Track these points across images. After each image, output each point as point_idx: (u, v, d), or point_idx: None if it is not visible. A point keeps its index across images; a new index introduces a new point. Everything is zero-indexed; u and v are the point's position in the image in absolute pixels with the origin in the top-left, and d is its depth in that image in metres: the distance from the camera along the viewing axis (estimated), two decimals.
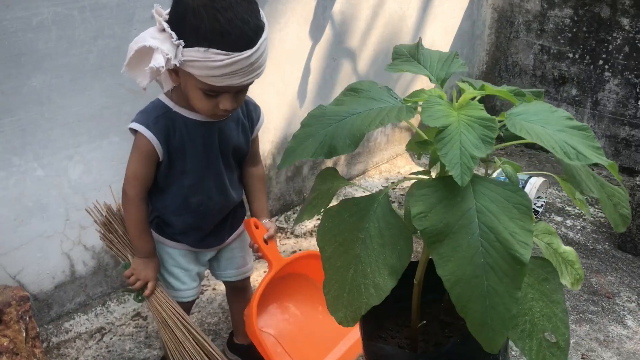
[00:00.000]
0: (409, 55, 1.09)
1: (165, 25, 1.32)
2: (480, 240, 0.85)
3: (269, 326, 1.79)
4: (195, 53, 1.29)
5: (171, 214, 1.59)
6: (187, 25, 1.30)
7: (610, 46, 3.24)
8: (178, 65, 1.31)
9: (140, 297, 1.60)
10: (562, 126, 0.93)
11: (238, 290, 1.85)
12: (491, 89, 0.97)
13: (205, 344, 1.58)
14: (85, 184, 2.06)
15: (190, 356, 1.57)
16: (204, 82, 1.33)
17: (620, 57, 3.22)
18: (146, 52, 1.31)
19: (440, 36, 3.38)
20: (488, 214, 0.86)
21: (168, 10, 1.39)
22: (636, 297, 2.40)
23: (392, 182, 3.27)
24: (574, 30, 3.33)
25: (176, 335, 1.56)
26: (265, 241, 1.64)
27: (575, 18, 3.32)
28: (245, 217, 1.71)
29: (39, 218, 1.98)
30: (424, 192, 0.88)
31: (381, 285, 0.90)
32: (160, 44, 1.29)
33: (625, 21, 3.16)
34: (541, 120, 0.93)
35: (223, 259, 1.74)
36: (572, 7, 3.31)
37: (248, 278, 1.83)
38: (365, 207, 0.95)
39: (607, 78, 3.28)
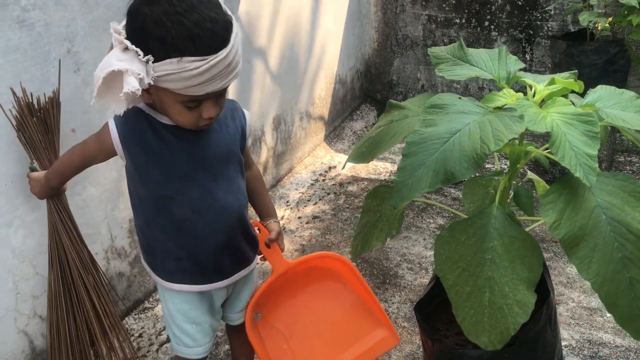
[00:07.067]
0: (454, 57, 1.05)
1: (128, 43, 1.18)
2: (613, 236, 0.85)
3: (279, 321, 1.66)
4: (168, 66, 1.16)
5: (157, 233, 1.42)
6: (151, 38, 1.17)
7: (493, 7, 3.43)
8: (152, 82, 1.18)
9: None
10: (636, 107, 0.96)
11: (238, 326, 1.73)
12: (562, 80, 0.97)
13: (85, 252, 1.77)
14: (31, 249, 1.82)
15: (69, 262, 1.73)
16: (183, 94, 1.21)
17: (504, 17, 3.42)
18: (115, 77, 1.17)
19: (332, 20, 3.38)
20: (613, 208, 0.86)
21: (123, 23, 1.23)
22: None
23: (320, 175, 3.25)
24: None
25: (62, 242, 1.72)
26: (268, 245, 1.54)
27: None
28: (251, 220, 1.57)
29: None
30: (551, 199, 0.87)
31: (524, 302, 0.88)
32: (128, 65, 1.16)
33: None
34: (618, 105, 0.95)
35: (228, 300, 1.60)
36: None
37: None
38: (483, 226, 0.91)
39: (494, 37, 3.48)
